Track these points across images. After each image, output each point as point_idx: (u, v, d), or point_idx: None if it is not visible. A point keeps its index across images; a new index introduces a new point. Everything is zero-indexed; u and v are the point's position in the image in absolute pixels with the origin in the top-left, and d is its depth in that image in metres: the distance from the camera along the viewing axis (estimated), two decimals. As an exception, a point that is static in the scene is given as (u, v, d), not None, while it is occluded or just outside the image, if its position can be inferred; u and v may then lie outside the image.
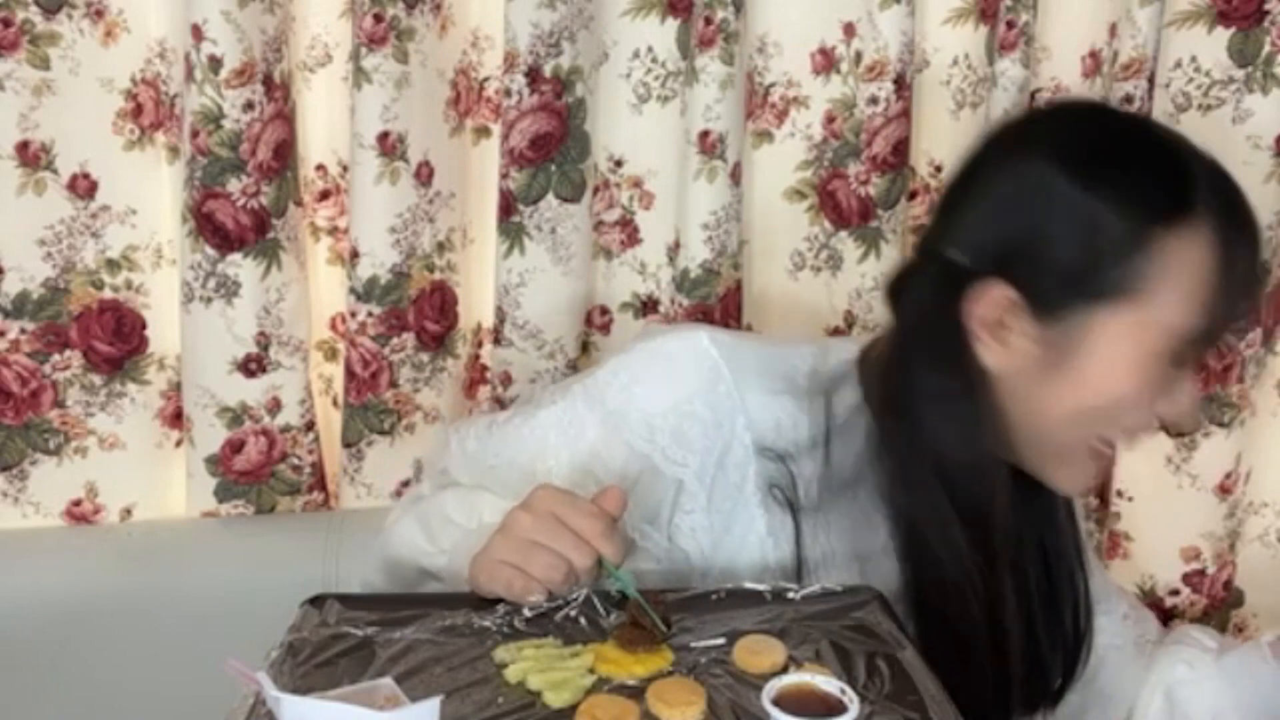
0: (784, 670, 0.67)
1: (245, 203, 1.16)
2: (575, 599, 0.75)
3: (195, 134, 1.13)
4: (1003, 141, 0.86)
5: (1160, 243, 0.77)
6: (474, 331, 1.32)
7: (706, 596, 0.77)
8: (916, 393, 0.84)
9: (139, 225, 1.21)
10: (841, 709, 0.62)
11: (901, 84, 1.21)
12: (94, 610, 1.17)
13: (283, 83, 1.17)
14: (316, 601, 0.76)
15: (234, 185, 1.15)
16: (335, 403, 1.30)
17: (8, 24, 1.13)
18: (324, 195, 1.26)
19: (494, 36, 1.23)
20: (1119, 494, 1.31)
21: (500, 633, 0.72)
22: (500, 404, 1.26)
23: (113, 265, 1.21)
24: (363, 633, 0.71)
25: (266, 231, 1.17)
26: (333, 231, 1.28)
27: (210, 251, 1.16)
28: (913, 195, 1.30)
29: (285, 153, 1.18)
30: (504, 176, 1.20)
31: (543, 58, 1.17)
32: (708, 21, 1.17)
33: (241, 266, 1.17)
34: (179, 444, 1.27)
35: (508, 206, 1.21)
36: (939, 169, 1.29)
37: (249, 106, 1.13)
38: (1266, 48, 1.18)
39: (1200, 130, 1.18)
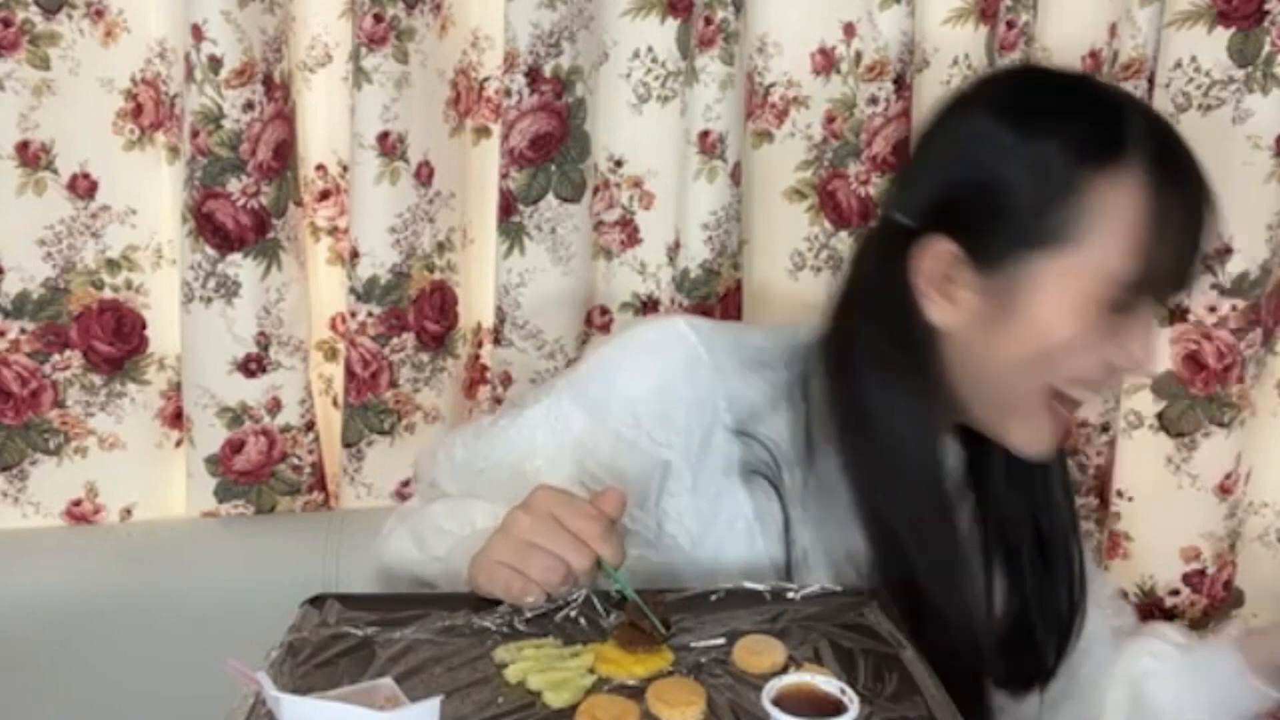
0: (784, 670, 0.67)
1: (245, 203, 1.16)
2: (575, 599, 0.75)
3: (195, 134, 1.13)
4: (946, 107, 0.88)
5: (1091, 187, 0.78)
6: (474, 331, 1.32)
7: (706, 596, 0.77)
8: (863, 359, 0.85)
9: (139, 225, 1.21)
10: (841, 709, 0.62)
11: (901, 84, 1.21)
12: (94, 610, 1.17)
13: (283, 83, 1.17)
14: (316, 601, 0.76)
15: (234, 185, 1.15)
16: (335, 403, 1.30)
17: (8, 24, 1.13)
18: (324, 195, 1.26)
19: (494, 36, 1.23)
20: (1119, 494, 1.31)
21: (500, 633, 0.72)
22: (500, 404, 1.26)
23: (113, 265, 1.21)
24: (363, 633, 0.71)
25: (266, 231, 1.17)
26: (333, 231, 1.28)
27: (210, 251, 1.16)
28: (913, 195, 1.29)
29: (285, 153, 1.18)
30: (504, 176, 1.20)
31: (543, 58, 1.17)
32: (708, 21, 1.17)
33: (241, 266, 1.17)
34: (179, 444, 1.27)
35: (508, 206, 1.21)
36: (939, 169, 1.29)
37: (249, 106, 1.13)
38: (1266, 48, 1.18)
39: (1200, 130, 1.19)
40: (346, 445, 1.26)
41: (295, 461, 1.25)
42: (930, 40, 1.25)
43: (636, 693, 0.65)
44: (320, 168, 1.26)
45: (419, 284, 1.23)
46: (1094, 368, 0.82)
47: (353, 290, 1.20)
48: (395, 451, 1.27)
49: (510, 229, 1.22)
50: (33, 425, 1.21)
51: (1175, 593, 1.32)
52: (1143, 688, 0.98)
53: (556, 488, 0.77)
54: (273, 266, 1.18)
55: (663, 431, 0.85)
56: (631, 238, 1.28)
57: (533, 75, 1.17)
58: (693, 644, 0.71)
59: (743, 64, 1.21)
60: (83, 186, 1.18)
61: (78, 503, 1.25)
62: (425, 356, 1.26)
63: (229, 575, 1.21)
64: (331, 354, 1.31)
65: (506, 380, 1.26)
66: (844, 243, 1.27)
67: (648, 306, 1.29)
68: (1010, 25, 1.21)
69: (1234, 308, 1.23)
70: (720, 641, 0.71)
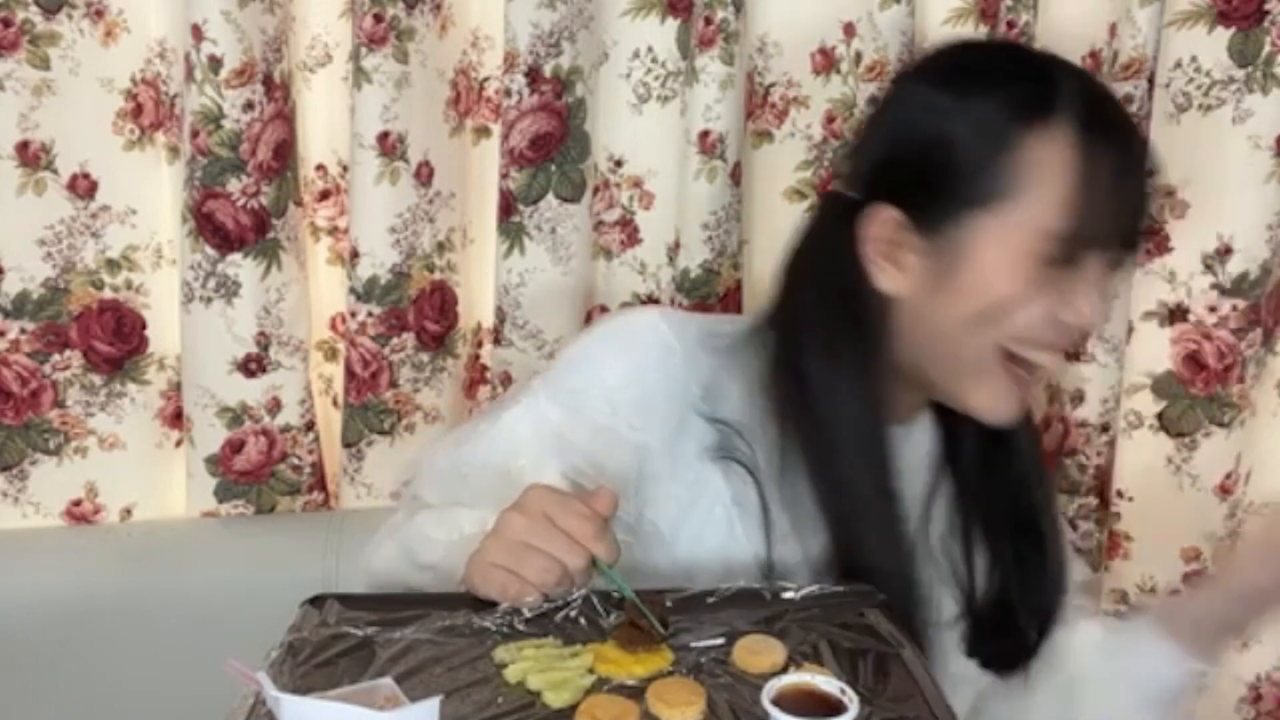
0: (784, 670, 0.67)
1: (245, 203, 1.16)
2: (575, 599, 0.75)
3: (195, 134, 1.13)
4: (887, 87, 0.92)
5: (1024, 145, 0.79)
6: (474, 331, 1.32)
7: (705, 597, 0.77)
8: (809, 333, 0.87)
9: (139, 225, 1.21)
10: (841, 709, 0.62)
11: (901, 84, 1.21)
12: (94, 610, 1.17)
13: (283, 83, 1.17)
14: (316, 601, 0.76)
15: (234, 185, 1.15)
16: (335, 403, 1.30)
17: (8, 24, 1.13)
18: (324, 195, 1.27)
19: (494, 36, 1.23)
20: (1119, 494, 1.31)
21: (500, 633, 0.72)
22: (499, 405, 1.26)
23: (113, 265, 1.21)
24: (363, 633, 0.71)
25: (266, 231, 1.17)
26: (333, 231, 1.28)
27: (210, 251, 1.16)
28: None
29: (285, 153, 1.18)
30: (504, 176, 1.20)
31: (543, 58, 1.17)
32: (708, 21, 1.17)
33: (241, 266, 1.17)
34: (179, 444, 1.27)
35: (508, 206, 1.21)
36: (939, 169, 1.29)
37: (249, 106, 1.13)
38: (1266, 48, 1.18)
39: (1200, 130, 1.19)
40: (346, 445, 1.26)
41: (295, 461, 1.25)
42: (930, 40, 1.25)
43: (636, 693, 0.65)
44: (320, 168, 1.26)
45: (419, 284, 1.23)
46: (1040, 324, 0.82)
47: (353, 290, 1.20)
48: (395, 451, 1.27)
49: (510, 229, 1.22)
50: (33, 425, 1.21)
51: (1175, 593, 1.32)
52: (1070, 693, 0.97)
53: (549, 487, 0.77)
54: (273, 266, 1.18)
55: (639, 418, 0.87)
56: (631, 238, 1.28)
57: (533, 75, 1.17)
58: (693, 644, 0.71)
59: (743, 64, 1.21)
60: (83, 186, 1.18)
61: (78, 503, 1.25)
62: (425, 356, 1.26)
63: (229, 575, 1.21)
64: (331, 354, 1.31)
65: (506, 380, 1.26)
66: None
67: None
68: (1010, 25, 1.22)
69: (1234, 308, 1.23)
70: (720, 641, 0.71)
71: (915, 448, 0.93)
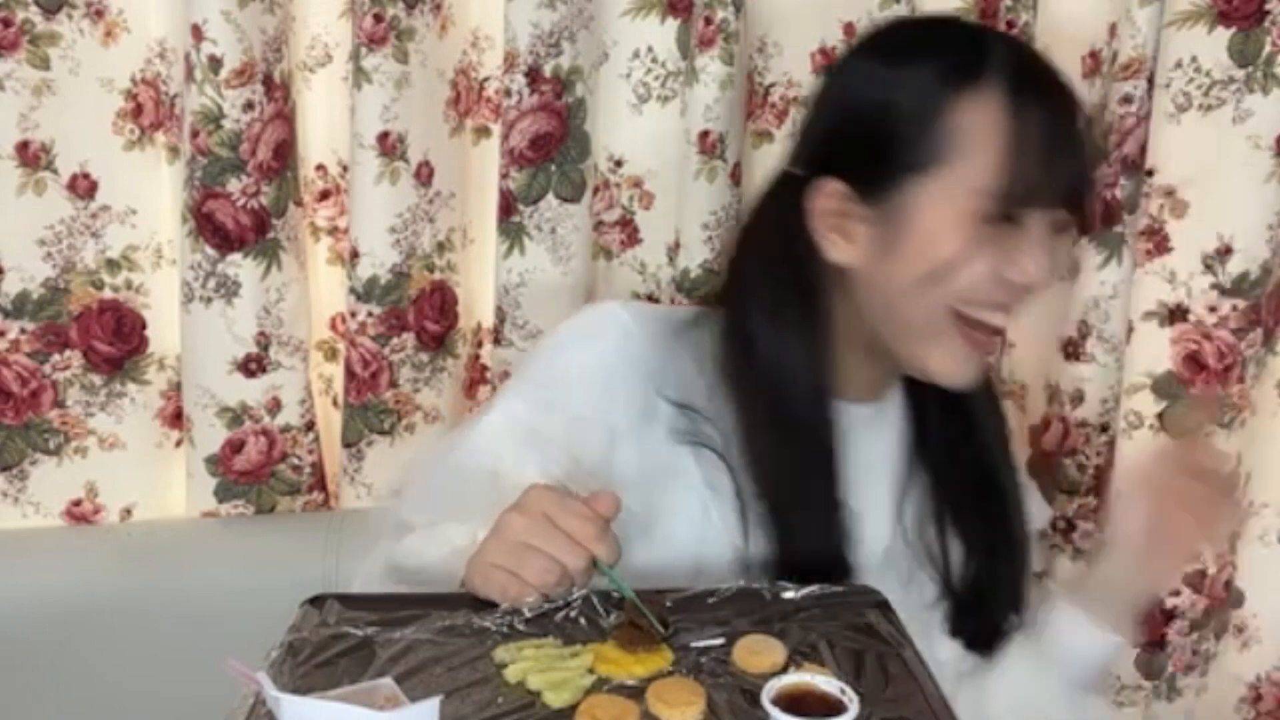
0: (784, 670, 0.67)
1: (245, 203, 1.16)
2: (575, 599, 0.75)
3: (195, 134, 1.13)
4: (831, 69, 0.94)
5: (957, 109, 0.82)
6: (474, 331, 1.32)
7: (705, 597, 0.77)
8: (757, 309, 0.89)
9: (139, 225, 1.21)
10: (841, 709, 0.62)
11: (901, 84, 1.21)
12: (94, 610, 1.17)
13: (283, 83, 1.17)
14: (316, 601, 0.76)
15: (234, 185, 1.15)
16: (335, 403, 1.30)
17: (8, 24, 1.13)
18: (324, 195, 1.27)
19: (494, 36, 1.23)
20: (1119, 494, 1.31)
21: (500, 633, 0.72)
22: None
23: (113, 265, 1.21)
24: (363, 633, 0.71)
25: (266, 231, 1.17)
26: (333, 231, 1.28)
27: (210, 251, 1.16)
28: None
29: (285, 153, 1.18)
30: (504, 176, 1.20)
31: (543, 58, 1.17)
32: (708, 21, 1.17)
33: (241, 266, 1.17)
34: (179, 444, 1.27)
35: (508, 206, 1.21)
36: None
37: (249, 106, 1.13)
38: (1266, 48, 1.18)
39: (1200, 130, 1.19)
40: (346, 445, 1.26)
41: (295, 461, 1.25)
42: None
43: (636, 693, 0.65)
44: (320, 168, 1.26)
45: (419, 284, 1.23)
46: (986, 283, 0.84)
47: (353, 290, 1.20)
48: (395, 451, 1.27)
49: (510, 229, 1.22)
50: (33, 425, 1.21)
51: (1176, 593, 1.31)
52: (996, 688, 0.97)
53: (549, 487, 0.77)
54: (273, 266, 1.18)
55: (607, 401, 0.89)
56: (631, 238, 1.28)
57: (533, 75, 1.17)
58: (692, 644, 0.71)
59: (743, 64, 1.21)
60: (83, 186, 1.18)
61: (78, 503, 1.25)
62: (425, 356, 1.26)
63: (229, 575, 1.21)
64: (331, 354, 1.31)
65: (506, 380, 1.26)
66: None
67: (648, 306, 1.29)
68: (1010, 25, 1.21)
69: (1234, 308, 1.23)
70: (720, 641, 0.71)
71: (887, 427, 0.95)
